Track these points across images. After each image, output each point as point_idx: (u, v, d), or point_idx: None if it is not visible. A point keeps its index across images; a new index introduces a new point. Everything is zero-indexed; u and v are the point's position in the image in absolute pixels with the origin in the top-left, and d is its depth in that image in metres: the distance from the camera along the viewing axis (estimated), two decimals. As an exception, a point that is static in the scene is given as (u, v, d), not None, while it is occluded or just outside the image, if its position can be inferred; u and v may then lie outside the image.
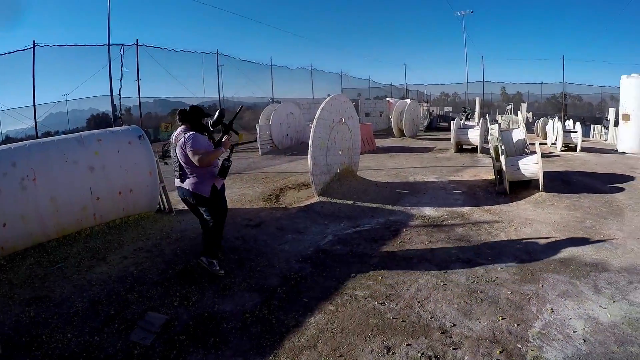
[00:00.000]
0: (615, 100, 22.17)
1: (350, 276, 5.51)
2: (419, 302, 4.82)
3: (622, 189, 10.73)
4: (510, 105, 36.86)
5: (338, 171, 10.38)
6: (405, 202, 9.34)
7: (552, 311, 4.68)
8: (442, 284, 5.29)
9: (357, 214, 8.34)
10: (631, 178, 12.23)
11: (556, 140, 19.06)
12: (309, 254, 6.27)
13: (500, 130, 11.43)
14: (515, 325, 4.37)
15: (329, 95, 11.12)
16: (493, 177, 10.93)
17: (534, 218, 8.13)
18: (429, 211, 8.61)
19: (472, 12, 54.12)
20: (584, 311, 4.70)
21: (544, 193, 9.75)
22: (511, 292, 5.07)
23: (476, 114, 30.50)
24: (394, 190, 10.56)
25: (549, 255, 6.27)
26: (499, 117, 29.93)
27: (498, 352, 3.90)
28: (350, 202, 9.09)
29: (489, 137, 12.72)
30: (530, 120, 32.13)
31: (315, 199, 9.17)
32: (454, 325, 4.35)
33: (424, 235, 7.12)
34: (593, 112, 39.89)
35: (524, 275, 5.56)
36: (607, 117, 27.64)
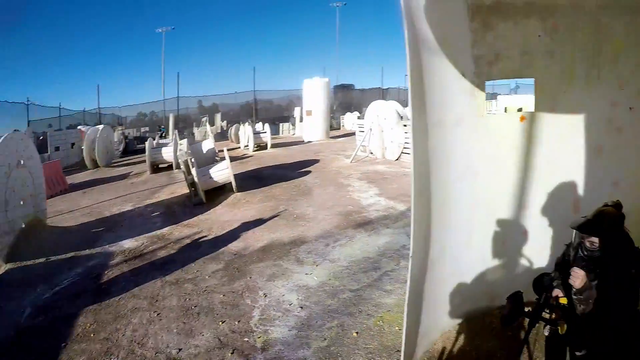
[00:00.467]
0: (300, 100, 26.18)
1: (61, 347, 4.75)
2: (138, 343, 4.55)
3: (309, 172, 12.70)
4: (205, 117, 38.39)
5: (23, 226, 8.87)
6: (103, 241, 8.65)
7: (266, 296, 5.13)
8: (155, 314, 5.11)
9: (53, 271, 7.30)
10: (317, 161, 14.58)
11: (248, 142, 20.76)
12: (5, 341, 5.14)
13: (190, 144, 11.78)
14: (237, 323, 4.60)
15: (15, 131, 9.44)
16: (189, 191, 11.15)
17: (232, 219, 8.72)
18: (128, 243, 8.16)
19: (173, 28, 53.09)
20: (294, 284, 5.35)
21: (239, 193, 10.57)
22: (224, 295, 5.31)
23: (170, 131, 30.65)
24: (90, 231, 9.68)
25: (251, 248, 6.81)
26: (195, 130, 30.86)
27: (229, 354, 4.05)
28: (42, 259, 7.91)
29: (178, 153, 12.96)
30: (225, 128, 34.14)
31: (2, 268, 7.68)
32: (180, 349, 4.28)
33: (127, 271, 6.71)
34: (282, 112, 44.74)
35: (232, 274, 5.91)
36: (293, 115, 32.36)
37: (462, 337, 3.97)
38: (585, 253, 2.61)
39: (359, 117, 26.24)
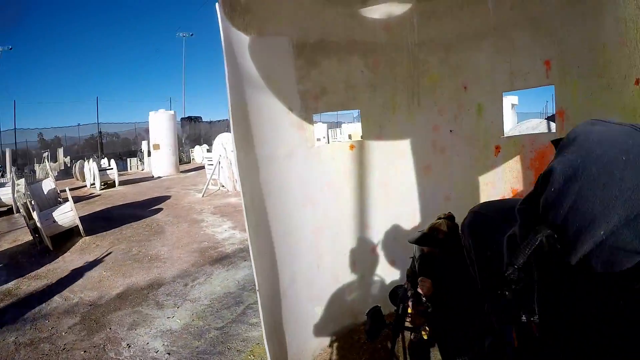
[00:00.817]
0: (148, 133, 25.19)
1: None
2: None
3: (160, 209, 12.29)
4: (46, 153, 35.11)
5: None
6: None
7: (129, 346, 4.84)
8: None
9: None
10: (168, 197, 14.16)
11: (94, 180, 19.43)
12: None
13: (29, 183, 10.73)
14: (103, 380, 4.25)
15: None
16: (33, 237, 10.16)
17: (83, 266, 8.08)
18: (-29, 306, 7.21)
19: (10, 48, 46.40)
20: (157, 329, 5.11)
21: (88, 237, 9.83)
22: (85, 351, 4.89)
23: (8, 169, 27.54)
24: None
25: (107, 296, 6.38)
26: (37, 167, 28.04)
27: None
28: None
29: (16, 195, 11.73)
30: (69, 165, 31.57)
31: None
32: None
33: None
34: (130, 146, 42.51)
35: (90, 327, 5.47)
36: (141, 149, 30.93)
37: (334, 357, 4.16)
38: (428, 263, 2.94)
39: (208, 150, 25.98)
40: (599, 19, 2.91)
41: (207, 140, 35.98)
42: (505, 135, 4.09)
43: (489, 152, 4.02)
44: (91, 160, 22.96)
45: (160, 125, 22.92)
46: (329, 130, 31.73)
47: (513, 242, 0.93)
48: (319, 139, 27.43)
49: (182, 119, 40.28)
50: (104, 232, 10.10)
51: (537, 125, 11.43)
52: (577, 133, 0.81)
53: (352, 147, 4.12)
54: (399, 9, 3.93)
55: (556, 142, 0.87)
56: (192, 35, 55.30)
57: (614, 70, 2.80)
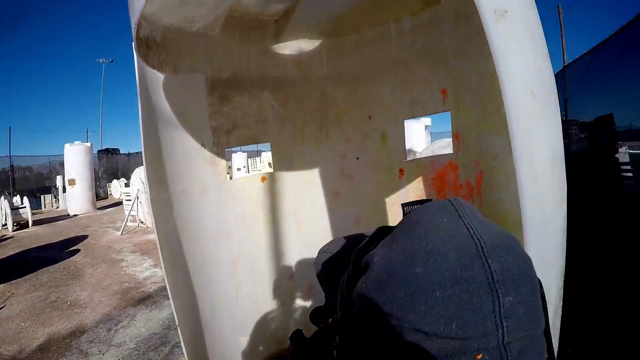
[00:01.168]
0: (63, 167, 23.94)
1: None
2: None
3: (78, 250, 11.86)
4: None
5: None
6: None
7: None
8: None
9: None
10: (85, 237, 13.66)
11: (6, 220, 18.30)
12: None
13: None
14: None
15: None
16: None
17: (-2, 317, 7.63)
18: None
19: None
20: None
21: (1, 285, 9.24)
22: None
23: None
24: None
25: (28, 349, 5.98)
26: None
27: None
28: None
29: None
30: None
31: None
32: None
33: None
34: (44, 182, 40.15)
35: (13, 384, 5.19)
36: (55, 185, 29.32)
37: (263, 384, 4.19)
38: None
39: (126, 185, 25.25)
40: (487, 52, 3.28)
41: (125, 173, 34.71)
42: (417, 157, 4.43)
43: (394, 175, 4.33)
44: (2, 197, 21.59)
45: (76, 159, 21.98)
46: (249, 159, 31.90)
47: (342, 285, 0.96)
48: (239, 169, 27.74)
49: (98, 151, 38.71)
50: (19, 279, 9.51)
51: (448, 144, 12.16)
52: (419, 219, 0.71)
53: (263, 179, 4.28)
54: (309, 45, 4.20)
55: (405, 209, 0.80)
56: (112, 61, 54.17)
57: (501, 96, 3.15)
